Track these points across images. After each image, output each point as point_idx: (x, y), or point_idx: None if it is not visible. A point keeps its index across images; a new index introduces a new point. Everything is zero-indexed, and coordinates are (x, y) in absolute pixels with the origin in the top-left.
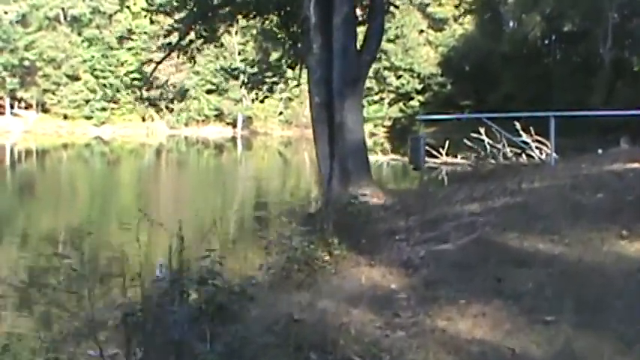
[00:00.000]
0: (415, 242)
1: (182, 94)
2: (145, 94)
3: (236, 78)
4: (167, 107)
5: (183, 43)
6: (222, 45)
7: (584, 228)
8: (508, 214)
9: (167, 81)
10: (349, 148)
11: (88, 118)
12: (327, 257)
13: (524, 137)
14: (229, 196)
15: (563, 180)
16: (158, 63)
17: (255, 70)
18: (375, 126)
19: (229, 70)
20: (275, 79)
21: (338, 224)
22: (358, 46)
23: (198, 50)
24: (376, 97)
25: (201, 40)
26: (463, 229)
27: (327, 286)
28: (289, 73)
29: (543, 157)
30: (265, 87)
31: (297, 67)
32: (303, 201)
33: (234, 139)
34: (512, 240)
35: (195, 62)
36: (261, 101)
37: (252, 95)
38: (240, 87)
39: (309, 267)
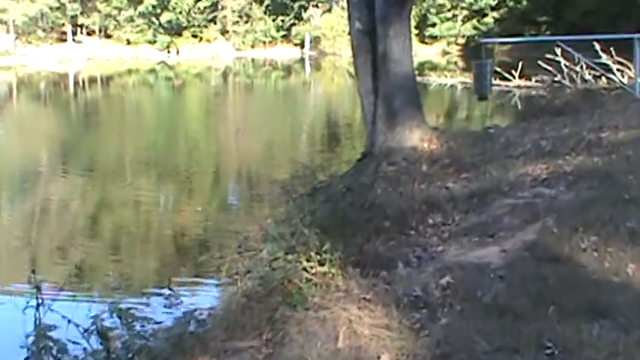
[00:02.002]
0: (451, 234)
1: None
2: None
3: (261, 2)
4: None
5: None
6: None
7: None
8: (583, 190)
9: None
10: (395, 82)
11: (152, 42)
12: (314, 271)
13: (604, 59)
14: (282, 137)
15: None
16: None
17: None
18: (449, 44)
19: None
20: (303, 2)
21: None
22: None
23: None
24: (449, 14)
25: None
26: (519, 214)
27: (288, 340)
28: None
29: (625, 80)
30: (293, 13)
31: None
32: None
33: (302, 60)
34: (587, 253)
35: None
36: (287, 29)
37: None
38: (265, 13)
39: (285, 289)
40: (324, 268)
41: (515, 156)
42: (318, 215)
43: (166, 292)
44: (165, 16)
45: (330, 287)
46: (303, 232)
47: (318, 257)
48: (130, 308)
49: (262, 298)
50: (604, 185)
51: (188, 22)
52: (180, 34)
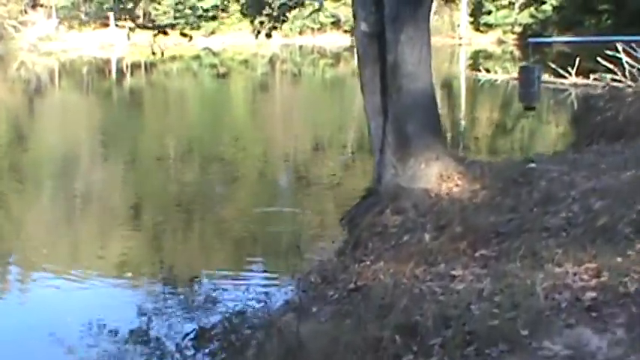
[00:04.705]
0: None
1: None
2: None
3: None
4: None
5: None
6: None
7: None
8: None
9: None
10: (409, 101)
11: (196, 28)
12: None
13: None
14: (315, 147)
15: None
16: None
17: None
18: (504, 33)
19: None
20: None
21: None
22: None
23: None
24: (505, 2)
25: None
26: None
27: None
28: None
29: None
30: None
31: None
32: None
33: (351, 47)
34: None
35: None
36: (268, 35)
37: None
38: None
39: None
40: None
41: (554, 229)
42: None
43: None
44: (209, 1)
45: None
46: None
47: None
48: None
49: None
50: None
51: (234, 6)
52: (225, 20)
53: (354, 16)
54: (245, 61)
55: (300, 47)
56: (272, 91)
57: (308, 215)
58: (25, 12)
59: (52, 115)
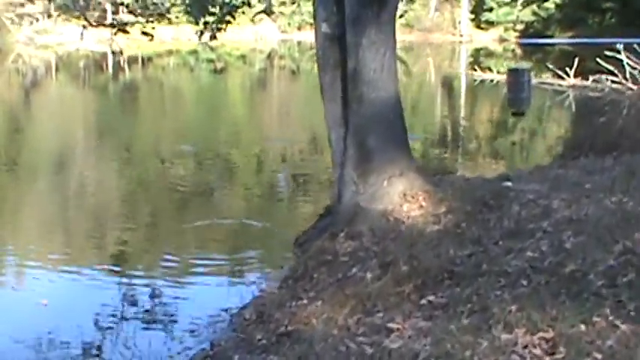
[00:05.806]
0: None
1: None
2: None
3: None
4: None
5: None
6: None
7: None
8: None
9: None
10: (370, 111)
11: (195, 23)
12: None
13: None
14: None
15: None
16: None
17: None
18: (506, 30)
19: None
20: None
21: None
22: None
23: None
24: None
25: None
26: None
27: None
28: None
29: None
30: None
31: None
32: None
33: None
34: None
35: None
36: (213, 37)
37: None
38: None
39: None
40: None
41: (515, 275)
42: None
43: None
44: None
45: None
46: None
47: None
48: None
49: None
50: None
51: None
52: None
53: (314, 16)
54: (243, 57)
55: (299, 43)
56: (269, 87)
57: (269, 230)
58: (23, 5)
59: (48, 109)
